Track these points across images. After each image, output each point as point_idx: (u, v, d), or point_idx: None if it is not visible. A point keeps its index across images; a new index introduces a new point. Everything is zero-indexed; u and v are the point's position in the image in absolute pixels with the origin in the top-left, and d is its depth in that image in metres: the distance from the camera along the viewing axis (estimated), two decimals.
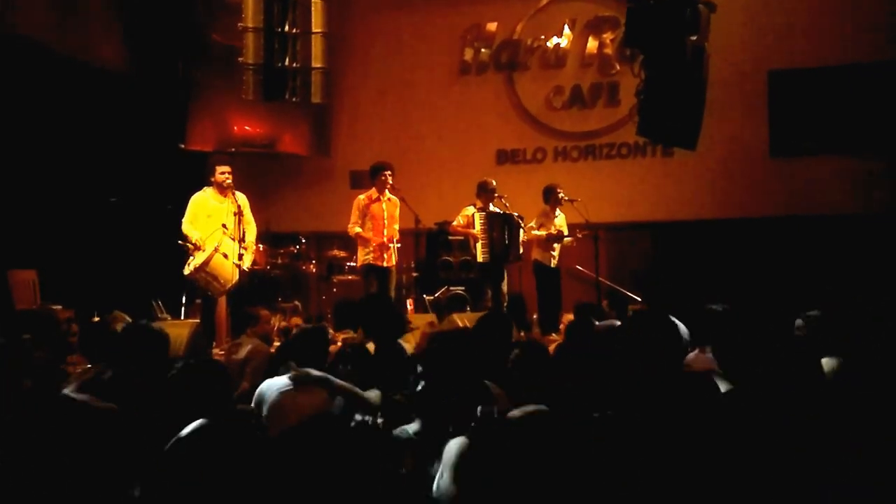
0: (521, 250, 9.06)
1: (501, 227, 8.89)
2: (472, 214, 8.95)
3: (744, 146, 10.33)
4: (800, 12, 10.27)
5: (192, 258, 7.40)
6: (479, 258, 8.94)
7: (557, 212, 9.22)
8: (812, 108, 10.00)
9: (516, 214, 8.99)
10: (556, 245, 9.15)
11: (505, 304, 8.66)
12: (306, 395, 4.25)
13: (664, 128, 6.80)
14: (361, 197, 8.56)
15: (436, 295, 9.59)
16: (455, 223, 9.11)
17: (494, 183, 9.01)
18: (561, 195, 9.13)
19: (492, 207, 8.97)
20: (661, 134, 7.21)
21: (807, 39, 10.19)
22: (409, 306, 9.87)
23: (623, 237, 10.60)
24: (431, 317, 8.56)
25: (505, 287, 8.96)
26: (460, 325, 7.01)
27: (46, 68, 8.67)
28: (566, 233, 9.20)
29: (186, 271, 7.43)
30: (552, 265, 9.16)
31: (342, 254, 9.66)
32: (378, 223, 8.45)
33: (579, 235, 9.18)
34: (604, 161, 10.98)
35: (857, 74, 9.81)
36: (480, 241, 8.90)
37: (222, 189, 7.58)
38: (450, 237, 9.84)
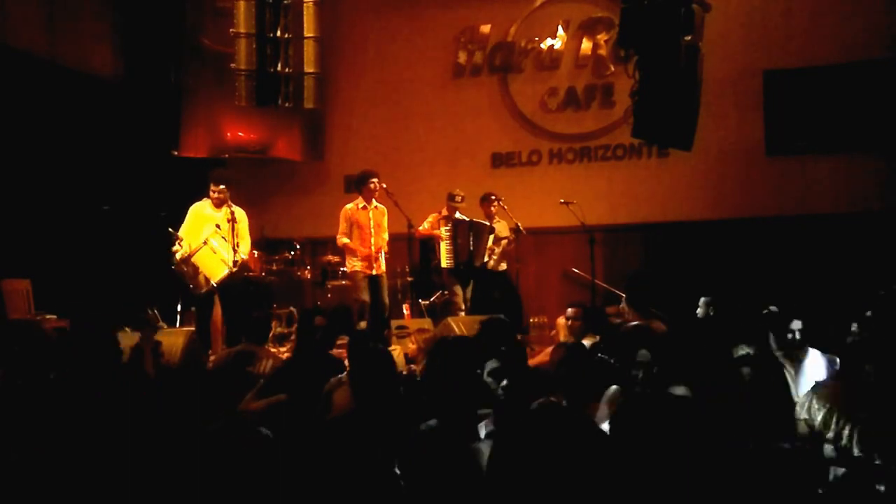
0: (487, 258, 9.20)
1: (466, 235, 9.02)
2: (437, 220, 9.15)
3: (739, 146, 10.28)
4: (795, 12, 10.23)
5: (179, 248, 7.46)
6: (444, 263, 9.07)
7: (497, 219, 9.44)
8: (808, 108, 9.96)
9: (487, 223, 9.20)
10: (495, 248, 9.30)
11: (467, 307, 8.81)
12: None
13: (659, 129, 6.75)
14: (348, 206, 8.61)
15: (431, 299, 9.57)
16: (421, 228, 9.21)
17: (461, 196, 9.23)
18: (496, 205, 9.39)
19: (457, 215, 9.14)
20: (657, 135, 7.16)
21: (802, 39, 10.15)
22: (405, 311, 9.86)
23: (619, 239, 10.55)
24: (427, 322, 8.54)
25: (469, 293, 9.09)
26: (456, 328, 7.02)
27: (38, 76, 8.64)
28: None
29: (178, 257, 7.51)
30: (494, 267, 9.37)
31: (336, 259, 9.62)
32: (365, 232, 8.46)
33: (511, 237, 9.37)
34: (599, 163, 10.93)
35: (852, 73, 9.78)
36: (445, 247, 8.99)
37: (218, 203, 7.79)
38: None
